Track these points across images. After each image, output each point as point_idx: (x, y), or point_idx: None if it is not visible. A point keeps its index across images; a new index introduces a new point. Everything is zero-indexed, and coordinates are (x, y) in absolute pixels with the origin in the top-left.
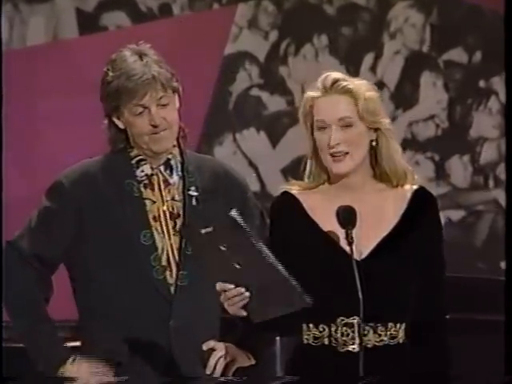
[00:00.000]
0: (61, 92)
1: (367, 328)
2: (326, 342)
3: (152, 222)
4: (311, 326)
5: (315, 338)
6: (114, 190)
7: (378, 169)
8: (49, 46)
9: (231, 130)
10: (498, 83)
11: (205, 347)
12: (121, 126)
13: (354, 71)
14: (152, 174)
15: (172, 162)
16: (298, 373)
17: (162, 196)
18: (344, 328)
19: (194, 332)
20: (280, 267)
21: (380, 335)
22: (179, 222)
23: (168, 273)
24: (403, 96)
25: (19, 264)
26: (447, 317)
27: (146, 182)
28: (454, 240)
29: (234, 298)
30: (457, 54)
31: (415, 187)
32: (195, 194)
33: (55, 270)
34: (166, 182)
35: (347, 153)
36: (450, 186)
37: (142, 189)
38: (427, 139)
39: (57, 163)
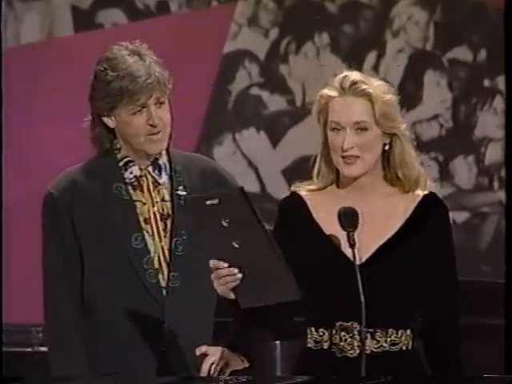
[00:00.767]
0: (56, 90)
1: (365, 334)
2: (326, 346)
3: (143, 225)
4: (312, 329)
5: (316, 342)
6: (103, 195)
7: (389, 172)
8: (44, 43)
9: (231, 130)
10: (503, 82)
11: (198, 352)
12: (111, 125)
13: (356, 70)
14: (141, 176)
15: (160, 162)
16: (298, 376)
17: (151, 197)
18: (342, 333)
19: (187, 333)
20: (279, 253)
21: (378, 341)
22: (169, 223)
23: (160, 276)
24: (406, 95)
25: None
26: (459, 324)
27: (135, 183)
28: (457, 242)
29: (226, 277)
30: (461, 53)
31: (425, 192)
32: (183, 193)
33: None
34: (155, 182)
35: (358, 157)
36: (454, 187)
37: (132, 191)
38: (431, 139)
39: (53, 162)
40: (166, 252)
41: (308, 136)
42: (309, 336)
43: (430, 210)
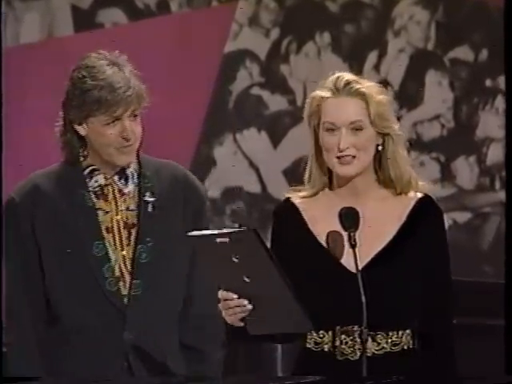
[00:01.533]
0: (56, 91)
1: (365, 336)
2: (326, 348)
3: (104, 233)
4: (312, 331)
5: (316, 344)
6: (66, 202)
7: (382, 174)
8: (43, 43)
9: (231, 130)
10: (505, 82)
11: None
12: (82, 133)
13: (357, 70)
14: (106, 184)
15: (127, 171)
16: (299, 376)
17: (116, 206)
18: (343, 336)
19: (150, 340)
20: (291, 288)
21: (379, 343)
22: (134, 231)
23: (121, 283)
24: (408, 95)
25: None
26: (453, 325)
27: (99, 192)
28: (459, 243)
29: (235, 308)
30: (463, 52)
31: (419, 195)
32: (151, 199)
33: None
34: (120, 191)
35: (354, 156)
36: (455, 187)
37: (95, 199)
38: (432, 139)
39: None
40: (128, 261)
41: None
42: (309, 337)
43: (425, 213)
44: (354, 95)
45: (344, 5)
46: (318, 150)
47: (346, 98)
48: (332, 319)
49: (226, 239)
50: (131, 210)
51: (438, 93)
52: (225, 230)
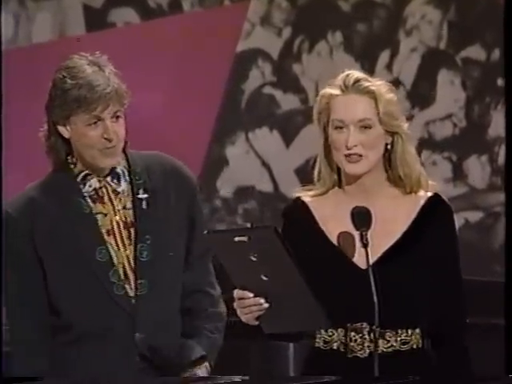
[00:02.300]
0: None
1: (377, 335)
2: (335, 346)
3: (106, 237)
4: (322, 330)
5: (325, 342)
6: (63, 211)
7: (392, 173)
8: (55, 43)
9: (243, 129)
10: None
11: None
12: (66, 135)
13: (369, 69)
14: (100, 187)
15: (118, 170)
16: (309, 376)
17: (113, 206)
18: (352, 333)
19: (159, 338)
20: (310, 286)
21: (389, 341)
22: (133, 230)
23: (127, 286)
24: (420, 94)
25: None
26: (466, 325)
27: (95, 196)
28: (471, 242)
29: (251, 307)
30: (475, 52)
31: (429, 194)
32: (144, 196)
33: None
34: (114, 191)
35: (361, 155)
36: (467, 186)
37: (92, 204)
38: (444, 139)
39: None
40: (132, 260)
41: None
42: (318, 336)
43: (434, 211)
44: (363, 93)
45: (356, 4)
46: (327, 147)
47: (354, 95)
48: (343, 317)
49: (245, 238)
50: (128, 209)
51: (450, 92)
52: (243, 228)
